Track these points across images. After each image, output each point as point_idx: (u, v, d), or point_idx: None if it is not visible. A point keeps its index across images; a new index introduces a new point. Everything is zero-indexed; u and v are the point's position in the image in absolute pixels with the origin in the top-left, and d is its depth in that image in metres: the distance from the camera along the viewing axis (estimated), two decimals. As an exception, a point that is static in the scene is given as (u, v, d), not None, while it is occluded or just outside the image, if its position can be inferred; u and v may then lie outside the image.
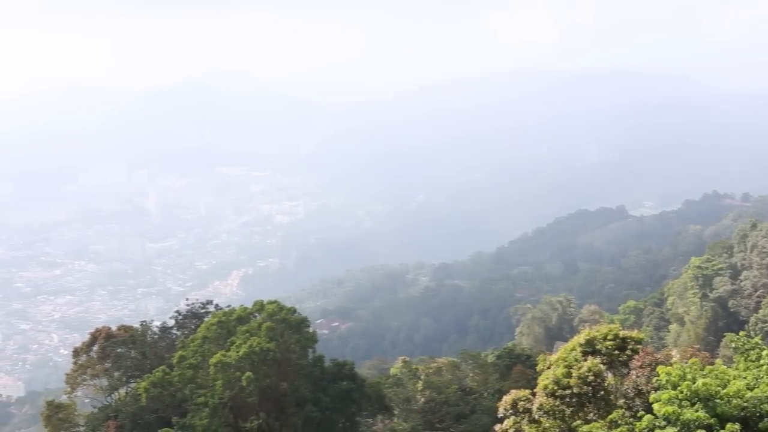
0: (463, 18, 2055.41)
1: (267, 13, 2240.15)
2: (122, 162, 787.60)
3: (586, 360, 43.68)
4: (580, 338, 45.33)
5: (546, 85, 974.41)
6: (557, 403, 43.26)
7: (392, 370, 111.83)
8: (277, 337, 70.81)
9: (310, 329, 75.93)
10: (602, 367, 43.38)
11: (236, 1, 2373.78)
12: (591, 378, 42.70)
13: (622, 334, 45.08)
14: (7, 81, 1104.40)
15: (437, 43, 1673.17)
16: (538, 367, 47.31)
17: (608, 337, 44.64)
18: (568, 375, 43.19)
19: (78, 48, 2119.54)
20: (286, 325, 72.43)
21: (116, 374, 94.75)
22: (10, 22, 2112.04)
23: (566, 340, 50.64)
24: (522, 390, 46.15)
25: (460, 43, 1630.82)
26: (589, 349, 44.68)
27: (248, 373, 67.35)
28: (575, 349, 44.91)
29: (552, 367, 44.66)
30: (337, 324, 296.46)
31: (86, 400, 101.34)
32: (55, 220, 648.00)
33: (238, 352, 68.20)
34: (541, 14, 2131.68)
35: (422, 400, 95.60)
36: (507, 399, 45.76)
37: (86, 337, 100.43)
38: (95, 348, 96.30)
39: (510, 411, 45.24)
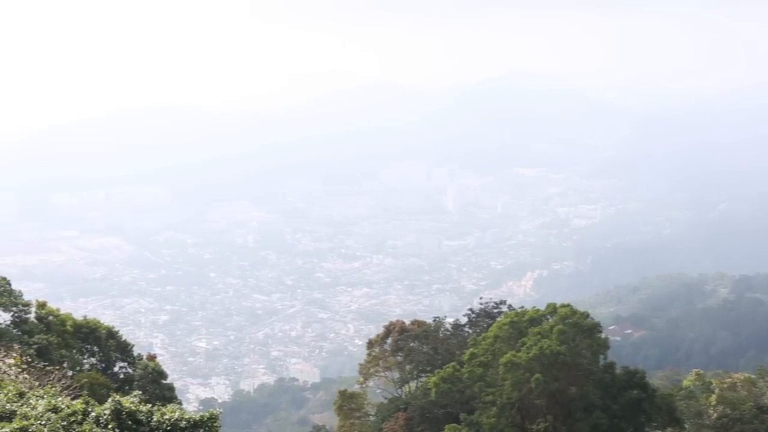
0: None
1: (568, 12, 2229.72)
2: (423, 160, 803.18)
3: None
4: None
5: None
6: None
7: (684, 382, 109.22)
8: (569, 340, 70.70)
9: (602, 335, 75.34)
10: None
11: (536, 3, 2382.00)
12: None
13: None
14: (309, 83, 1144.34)
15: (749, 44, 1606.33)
16: None
17: None
18: None
19: (383, 48, 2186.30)
20: (578, 330, 72.15)
21: (408, 367, 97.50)
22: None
23: None
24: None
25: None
26: None
27: (537, 375, 67.64)
28: None
29: None
30: (630, 331, 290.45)
31: (377, 391, 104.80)
32: (356, 214, 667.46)
33: (528, 353, 68.60)
34: None
35: (714, 415, 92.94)
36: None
37: (380, 330, 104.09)
38: (389, 341, 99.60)
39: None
